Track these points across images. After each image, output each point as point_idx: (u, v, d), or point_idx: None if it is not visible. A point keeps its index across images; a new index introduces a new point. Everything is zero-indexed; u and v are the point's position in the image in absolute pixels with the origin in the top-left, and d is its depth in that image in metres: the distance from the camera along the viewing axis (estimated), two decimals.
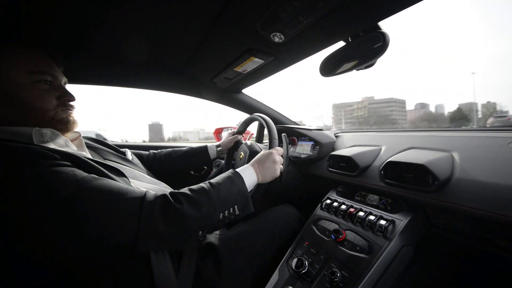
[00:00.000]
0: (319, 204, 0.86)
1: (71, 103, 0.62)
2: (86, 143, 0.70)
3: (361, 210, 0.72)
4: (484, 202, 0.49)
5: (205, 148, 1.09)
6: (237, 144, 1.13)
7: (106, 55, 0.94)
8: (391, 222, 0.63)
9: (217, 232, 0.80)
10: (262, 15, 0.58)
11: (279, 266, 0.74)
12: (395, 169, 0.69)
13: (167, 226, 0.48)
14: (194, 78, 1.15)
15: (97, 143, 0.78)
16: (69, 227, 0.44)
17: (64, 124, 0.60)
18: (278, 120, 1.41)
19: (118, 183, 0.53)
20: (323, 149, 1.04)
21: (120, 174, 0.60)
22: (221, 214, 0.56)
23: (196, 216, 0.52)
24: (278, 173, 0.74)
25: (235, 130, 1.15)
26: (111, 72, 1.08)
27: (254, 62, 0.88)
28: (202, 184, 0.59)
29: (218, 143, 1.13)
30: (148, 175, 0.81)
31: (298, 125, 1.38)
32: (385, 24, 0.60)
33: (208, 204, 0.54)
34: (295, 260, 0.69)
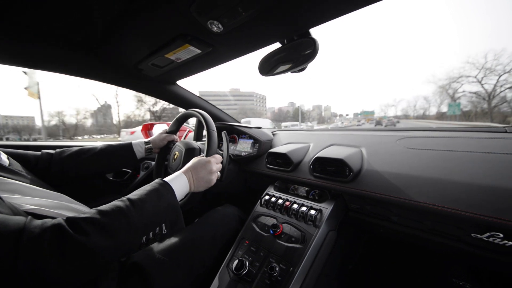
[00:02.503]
0: (259, 201, 0.87)
1: None
2: None
3: (295, 202, 0.78)
4: (381, 187, 0.63)
5: (129, 146, 0.90)
6: (170, 145, 1.00)
7: None
8: (319, 211, 0.71)
9: (147, 247, 0.68)
10: None
11: (219, 272, 0.70)
12: (321, 164, 0.78)
13: (66, 266, 0.36)
14: (113, 62, 0.93)
15: None
16: None
17: None
18: (218, 117, 1.35)
19: None
20: (262, 147, 1.07)
21: None
22: (144, 238, 0.46)
23: (110, 246, 0.41)
24: (213, 183, 0.68)
25: (167, 129, 1.02)
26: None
27: (190, 51, 0.79)
28: (118, 202, 0.46)
29: (147, 139, 0.96)
30: (40, 185, 0.59)
31: (239, 122, 1.37)
32: (316, 32, 0.67)
33: (127, 230, 0.43)
34: (236, 262, 0.67)
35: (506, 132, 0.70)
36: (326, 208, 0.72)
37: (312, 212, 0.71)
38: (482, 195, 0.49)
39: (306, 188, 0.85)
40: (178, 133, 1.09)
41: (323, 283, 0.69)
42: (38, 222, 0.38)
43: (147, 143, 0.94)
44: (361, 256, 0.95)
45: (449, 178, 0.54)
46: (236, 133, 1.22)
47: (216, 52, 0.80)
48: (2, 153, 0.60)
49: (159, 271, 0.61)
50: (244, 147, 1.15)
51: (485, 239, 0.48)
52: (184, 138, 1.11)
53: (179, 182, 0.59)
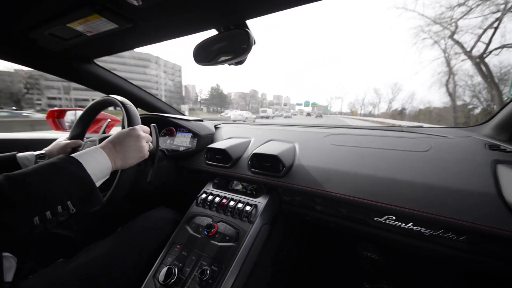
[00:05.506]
0: (195, 200, 0.82)
1: None
2: None
3: (232, 199, 0.76)
4: (308, 181, 0.68)
5: (12, 160, 0.67)
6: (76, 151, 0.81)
7: None
8: (255, 206, 0.71)
9: (45, 271, 0.55)
10: None
11: (143, 284, 0.61)
12: (258, 159, 0.79)
13: None
14: None
15: None
16: None
17: None
18: (153, 106, 1.19)
19: None
20: (202, 141, 1.00)
21: None
22: (36, 218, 0.37)
23: None
24: (145, 153, 0.59)
25: (69, 133, 0.80)
26: None
27: (104, 23, 0.64)
28: None
29: (40, 152, 0.74)
30: None
31: (181, 113, 1.24)
32: (254, 24, 0.64)
33: None
34: (164, 270, 0.61)
35: (402, 131, 0.86)
36: (261, 202, 0.73)
37: (248, 208, 0.71)
38: (380, 186, 0.58)
39: (245, 184, 0.85)
40: (98, 124, 0.90)
41: (258, 273, 0.71)
42: None
43: (40, 156, 0.72)
44: (295, 242, 1.04)
45: (359, 171, 0.63)
46: (173, 126, 1.10)
47: (139, 30, 0.67)
48: None
49: None
50: (182, 141, 1.05)
51: (383, 221, 0.58)
52: (105, 132, 0.92)
53: (91, 155, 0.48)
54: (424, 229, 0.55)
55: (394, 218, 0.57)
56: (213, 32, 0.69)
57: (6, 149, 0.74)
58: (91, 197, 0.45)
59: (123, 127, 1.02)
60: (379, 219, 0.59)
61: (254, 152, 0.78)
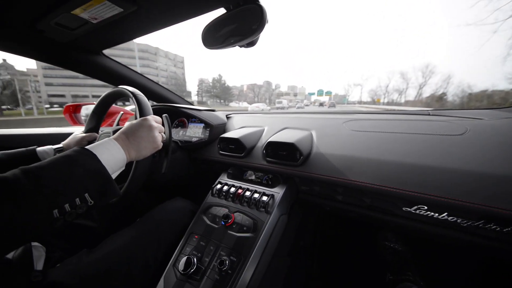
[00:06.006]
0: (210, 191, 0.81)
1: None
2: None
3: (248, 189, 0.74)
4: (328, 169, 0.64)
5: (32, 154, 0.69)
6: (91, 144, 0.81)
7: None
8: (271, 196, 0.69)
9: (71, 261, 0.56)
10: None
11: (164, 273, 0.62)
12: (273, 148, 0.75)
13: None
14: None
15: None
16: None
17: None
18: (163, 97, 1.17)
19: None
20: (214, 131, 0.98)
21: None
22: (56, 211, 0.37)
23: None
24: (159, 143, 0.58)
25: (84, 127, 0.81)
26: None
27: (107, 8, 0.61)
28: (3, 174, 0.36)
29: (59, 145, 0.76)
30: None
31: (191, 104, 1.22)
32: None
33: (14, 200, 0.34)
34: (183, 259, 0.61)
35: (429, 115, 0.79)
36: (278, 192, 0.70)
37: (264, 198, 0.69)
38: (409, 173, 0.53)
39: (260, 174, 0.82)
40: (112, 118, 0.90)
41: (276, 263, 0.69)
42: None
43: (58, 149, 0.74)
44: (311, 232, 1.02)
45: (383, 158, 0.58)
46: (185, 117, 1.08)
47: (145, 14, 0.63)
48: None
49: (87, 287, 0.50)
50: (194, 132, 1.03)
51: (413, 211, 0.54)
52: (118, 125, 0.92)
53: (105, 147, 0.48)
54: (461, 219, 0.50)
55: (426, 208, 0.52)
56: (221, 12, 0.64)
57: (26, 143, 0.76)
58: (108, 189, 0.44)
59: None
60: (409, 209, 0.55)
61: (269, 140, 0.74)
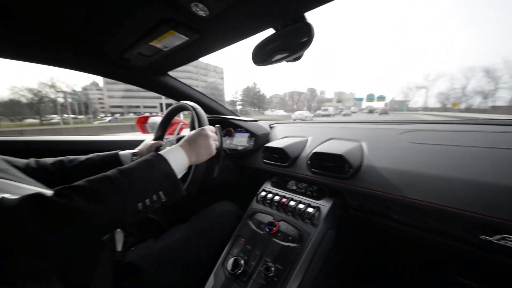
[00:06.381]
0: (255, 197, 0.85)
1: None
2: None
3: (292, 199, 0.75)
4: (383, 184, 0.59)
5: (115, 157, 0.85)
6: (159, 149, 0.97)
7: None
8: (317, 209, 0.68)
9: (142, 246, 0.67)
10: None
11: (214, 271, 0.68)
12: (319, 159, 0.74)
13: (51, 231, 0.37)
14: (96, 51, 0.87)
15: None
16: None
17: None
18: (213, 109, 1.30)
19: None
20: (259, 141, 1.03)
21: None
22: (140, 204, 0.46)
23: (99, 210, 0.41)
24: (213, 150, 0.67)
25: (154, 135, 0.98)
26: None
27: (177, 38, 0.73)
28: (105, 173, 0.47)
29: (134, 150, 0.92)
30: (28, 184, 0.56)
31: (236, 115, 1.32)
32: (313, 17, 0.60)
33: (116, 194, 0.43)
34: (231, 260, 0.66)
35: None
36: (325, 205, 0.69)
37: (310, 210, 0.68)
38: (492, 194, 0.45)
39: (304, 184, 0.82)
40: (171, 127, 1.05)
41: (322, 281, 0.67)
42: (14, 197, 0.38)
43: (134, 154, 0.90)
44: (362, 253, 0.94)
45: (456, 176, 0.50)
46: (232, 127, 1.17)
47: (205, 39, 0.73)
48: None
49: (155, 270, 0.60)
50: (240, 141, 1.11)
51: (496, 241, 0.45)
52: (179, 132, 1.07)
53: (174, 153, 0.58)
54: None
55: None
56: (270, 31, 0.69)
57: (110, 148, 0.96)
58: (176, 189, 0.53)
59: (191, 129, 1.16)
60: (488, 238, 0.46)
61: (314, 151, 0.74)
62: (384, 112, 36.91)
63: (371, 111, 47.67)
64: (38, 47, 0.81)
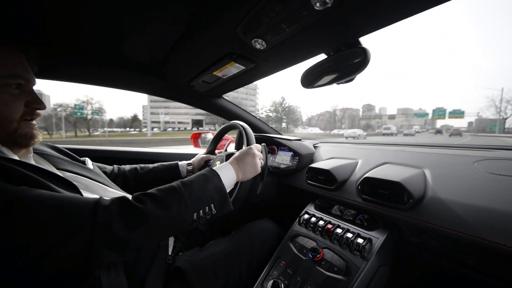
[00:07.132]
0: (297, 219, 0.83)
1: (39, 111, 0.55)
2: (38, 150, 0.62)
3: (338, 226, 0.70)
4: (453, 221, 0.50)
5: (175, 166, 1.01)
6: (208, 164, 1.07)
7: (77, 50, 0.83)
8: (369, 240, 0.62)
9: (189, 253, 0.72)
10: (242, 19, 0.55)
11: None
12: (371, 185, 0.69)
13: (130, 230, 0.44)
14: (170, 80, 1.07)
15: (53, 150, 0.68)
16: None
17: (27, 139, 0.52)
18: (259, 128, 1.37)
19: (64, 194, 0.46)
20: (303, 160, 1.02)
21: (69, 186, 0.51)
22: (195, 214, 0.52)
23: (165, 216, 0.48)
24: (259, 169, 0.71)
25: (206, 149, 1.11)
26: (82, 69, 0.96)
27: (235, 68, 0.83)
28: (171, 184, 0.55)
29: (189, 161, 1.06)
30: (113, 188, 0.71)
31: (280, 134, 1.35)
32: (367, 40, 0.60)
33: (179, 203, 0.50)
34: (271, 282, 0.64)
35: None
36: (378, 238, 0.62)
37: (360, 240, 0.62)
38: None
39: (353, 211, 0.76)
40: (220, 143, 1.15)
41: None
42: (107, 198, 0.47)
43: (189, 164, 1.05)
44: None
45: None
46: (275, 145, 1.20)
47: (259, 67, 0.81)
48: (89, 160, 0.75)
49: (199, 278, 0.63)
50: (283, 159, 1.12)
51: None
52: (227, 147, 1.16)
53: (225, 170, 0.64)
54: None
55: None
56: (322, 56, 0.71)
57: (170, 158, 1.11)
58: (225, 202, 0.58)
59: (237, 145, 1.25)
60: None
61: (366, 176, 0.69)
62: (456, 133, 29.07)
63: (438, 131, 37.28)
64: (127, 78, 1.05)
